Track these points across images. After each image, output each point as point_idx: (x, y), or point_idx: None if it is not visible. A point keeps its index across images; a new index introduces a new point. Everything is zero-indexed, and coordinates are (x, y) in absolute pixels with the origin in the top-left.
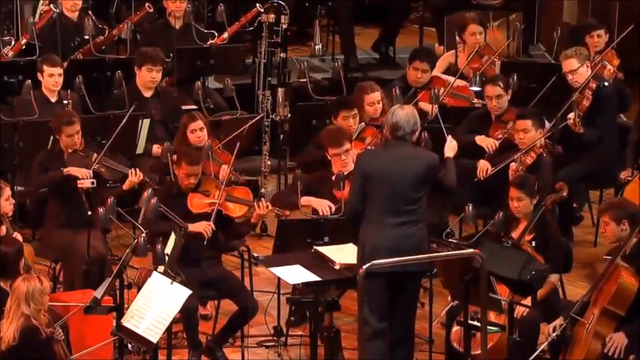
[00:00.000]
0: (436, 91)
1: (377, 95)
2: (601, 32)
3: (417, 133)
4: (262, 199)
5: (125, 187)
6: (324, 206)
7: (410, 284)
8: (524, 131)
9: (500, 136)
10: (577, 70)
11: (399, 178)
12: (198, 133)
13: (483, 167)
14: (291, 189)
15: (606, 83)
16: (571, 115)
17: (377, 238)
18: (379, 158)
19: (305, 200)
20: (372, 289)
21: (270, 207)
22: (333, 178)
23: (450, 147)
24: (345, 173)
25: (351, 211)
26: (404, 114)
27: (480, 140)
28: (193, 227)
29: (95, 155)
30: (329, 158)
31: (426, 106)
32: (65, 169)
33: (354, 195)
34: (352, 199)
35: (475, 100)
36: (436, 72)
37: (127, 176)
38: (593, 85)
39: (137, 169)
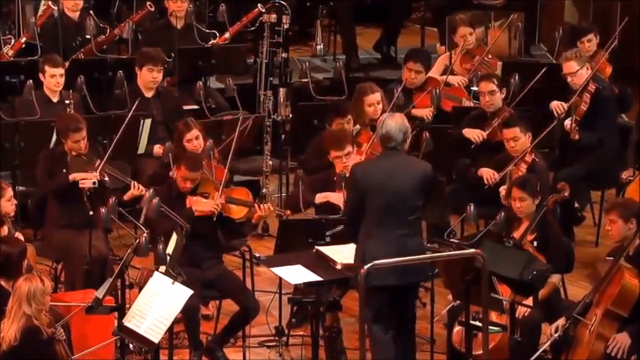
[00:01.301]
0: (437, 91)
1: (377, 96)
2: (591, 36)
3: (409, 142)
4: (264, 202)
5: (126, 197)
6: (342, 200)
7: (410, 295)
8: (514, 139)
9: (487, 130)
10: (577, 72)
11: (397, 188)
12: (194, 142)
13: (490, 175)
14: (298, 191)
15: (605, 85)
16: (567, 122)
17: (379, 251)
18: (374, 170)
19: (322, 197)
20: (375, 305)
21: (271, 208)
22: (335, 178)
23: None
24: (347, 174)
25: (351, 226)
26: (394, 124)
27: (467, 132)
28: (199, 207)
29: (98, 161)
30: (331, 160)
31: (419, 112)
32: (71, 176)
33: (352, 210)
34: (351, 214)
35: (469, 103)
36: (433, 74)
37: (128, 184)
38: (592, 88)
39: (138, 184)
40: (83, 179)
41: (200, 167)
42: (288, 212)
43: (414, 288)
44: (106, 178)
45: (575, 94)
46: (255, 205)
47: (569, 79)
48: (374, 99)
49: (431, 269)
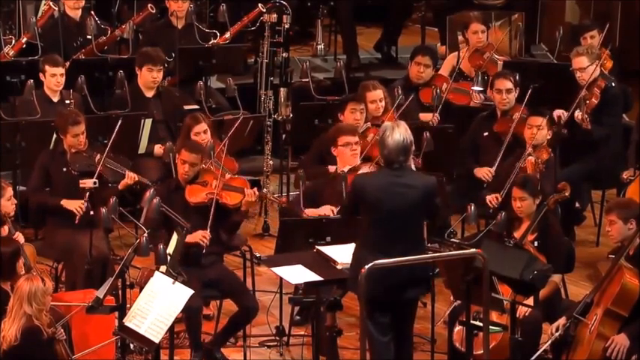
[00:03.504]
0: (438, 91)
1: (379, 93)
2: (594, 33)
3: (412, 153)
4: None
5: (120, 187)
6: (326, 211)
7: (409, 309)
8: (538, 127)
9: (510, 126)
10: (586, 68)
11: (394, 206)
12: (202, 135)
13: (492, 199)
14: (296, 199)
15: (613, 84)
16: (578, 113)
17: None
18: (373, 186)
19: (309, 212)
20: (372, 311)
21: (257, 193)
22: (334, 177)
23: None
24: (356, 164)
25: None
26: (394, 143)
27: (477, 172)
28: (190, 238)
29: (98, 156)
30: (334, 154)
31: (426, 117)
32: (62, 201)
33: (344, 215)
34: (342, 217)
35: (476, 97)
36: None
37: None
38: (602, 84)
39: (132, 173)
40: (78, 207)
41: (200, 151)
42: (284, 199)
43: (412, 303)
44: (105, 171)
45: (582, 89)
46: (244, 191)
47: (577, 75)
48: (376, 95)
49: (426, 287)
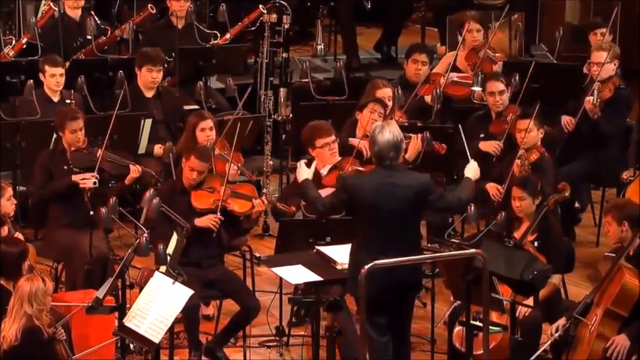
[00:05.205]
0: (438, 91)
1: (388, 91)
2: (604, 31)
3: (404, 151)
4: (263, 196)
5: (127, 181)
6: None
7: (406, 309)
8: (528, 131)
9: (505, 127)
10: (604, 64)
11: (387, 207)
12: (207, 132)
13: (495, 192)
14: (293, 187)
15: (622, 86)
16: (590, 99)
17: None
18: (365, 187)
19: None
20: (372, 320)
21: (266, 202)
22: (335, 180)
23: (471, 169)
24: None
25: (324, 212)
26: (384, 141)
27: (484, 145)
28: (199, 222)
29: (99, 151)
30: (313, 155)
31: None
32: (73, 177)
33: (332, 208)
34: (330, 209)
35: (478, 96)
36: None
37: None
38: (617, 82)
39: (136, 165)
40: (84, 179)
41: (209, 159)
42: (293, 209)
43: (409, 298)
44: (106, 164)
45: (593, 82)
46: (253, 201)
47: (593, 68)
48: (385, 93)
49: (418, 286)
